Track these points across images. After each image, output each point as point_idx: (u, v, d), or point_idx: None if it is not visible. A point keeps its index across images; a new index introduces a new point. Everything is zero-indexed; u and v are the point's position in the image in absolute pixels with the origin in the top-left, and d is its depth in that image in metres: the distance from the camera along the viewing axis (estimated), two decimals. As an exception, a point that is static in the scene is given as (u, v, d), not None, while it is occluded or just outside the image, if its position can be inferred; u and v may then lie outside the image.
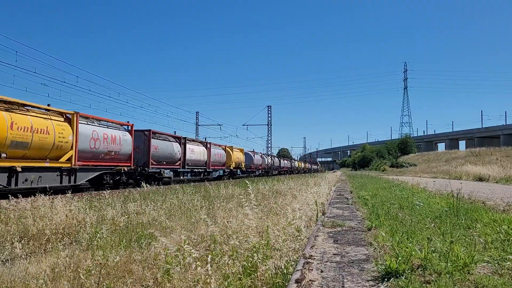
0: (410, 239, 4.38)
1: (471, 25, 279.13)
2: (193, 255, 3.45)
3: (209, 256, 3.46)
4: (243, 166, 42.94)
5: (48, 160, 14.67)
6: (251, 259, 3.76)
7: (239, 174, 41.41)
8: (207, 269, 3.25)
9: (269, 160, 57.70)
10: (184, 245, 3.79)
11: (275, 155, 65.16)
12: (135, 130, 22.06)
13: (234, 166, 39.66)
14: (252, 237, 4.39)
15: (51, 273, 4.30)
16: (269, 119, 57.48)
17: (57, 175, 15.20)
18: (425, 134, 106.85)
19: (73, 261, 4.66)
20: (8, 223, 7.13)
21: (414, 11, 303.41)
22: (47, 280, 4.06)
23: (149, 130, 23.09)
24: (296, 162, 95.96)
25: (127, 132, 20.99)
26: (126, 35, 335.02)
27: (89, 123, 17.76)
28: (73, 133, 15.92)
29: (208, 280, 3.20)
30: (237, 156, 41.19)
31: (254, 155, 48.00)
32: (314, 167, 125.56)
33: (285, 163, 73.84)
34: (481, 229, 5.04)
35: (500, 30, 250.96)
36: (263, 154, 55.63)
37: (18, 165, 13.13)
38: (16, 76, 54.56)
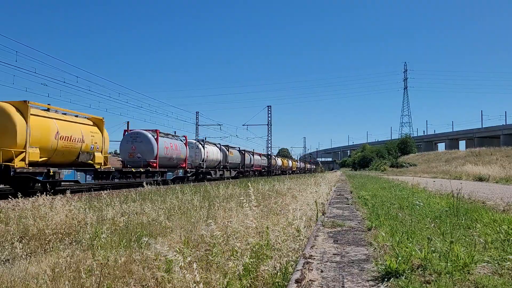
0: (410, 239, 4.38)
1: (471, 25, 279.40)
2: (180, 264, 3.46)
3: (195, 263, 3.47)
4: (94, 160, 18.40)
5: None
6: (251, 259, 3.76)
7: (67, 180, 16.64)
8: (194, 276, 3.26)
9: (214, 154, 35.00)
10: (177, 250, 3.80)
11: (232, 146, 42.61)
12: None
13: (43, 159, 15.21)
14: (251, 237, 4.40)
15: (51, 273, 4.30)
16: (269, 119, 57.44)
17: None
18: (425, 134, 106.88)
19: (74, 261, 4.66)
20: (8, 223, 7.13)
21: (414, 11, 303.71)
22: (47, 280, 4.06)
23: None
24: (280, 159, 69.36)
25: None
26: (126, 35, 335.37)
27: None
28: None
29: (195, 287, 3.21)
30: (77, 135, 17.09)
31: (156, 139, 24.29)
32: (310, 166, 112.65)
33: (256, 159, 49.59)
34: (481, 229, 5.04)
35: (500, 30, 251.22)
36: (201, 141, 33.87)
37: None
38: (16, 76, 54.56)
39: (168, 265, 3.63)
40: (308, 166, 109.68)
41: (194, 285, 3.19)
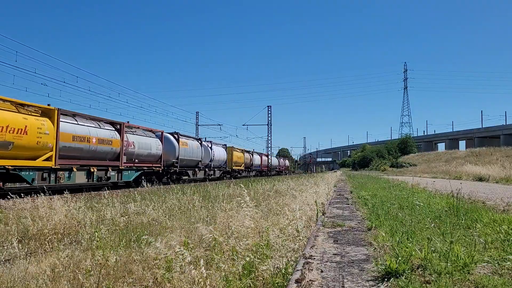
0: (410, 239, 4.38)
1: (471, 25, 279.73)
2: (187, 260, 3.45)
3: (201, 260, 3.46)
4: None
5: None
6: (251, 259, 3.75)
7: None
8: (201, 272, 3.25)
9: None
10: (181, 248, 3.80)
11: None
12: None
13: None
14: (251, 238, 4.39)
15: (51, 273, 4.30)
16: (269, 119, 57.51)
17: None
18: (425, 134, 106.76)
19: (73, 261, 4.65)
20: (8, 223, 7.12)
21: (414, 11, 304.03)
22: (47, 280, 4.05)
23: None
24: (207, 144, 33.97)
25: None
26: (126, 35, 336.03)
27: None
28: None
29: (203, 283, 3.20)
30: None
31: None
32: (283, 162, 72.88)
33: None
34: (481, 229, 5.04)
35: (500, 30, 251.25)
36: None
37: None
38: (16, 76, 54.74)
39: (170, 263, 3.62)
40: (268, 161, 56.34)
41: (201, 280, 3.17)
